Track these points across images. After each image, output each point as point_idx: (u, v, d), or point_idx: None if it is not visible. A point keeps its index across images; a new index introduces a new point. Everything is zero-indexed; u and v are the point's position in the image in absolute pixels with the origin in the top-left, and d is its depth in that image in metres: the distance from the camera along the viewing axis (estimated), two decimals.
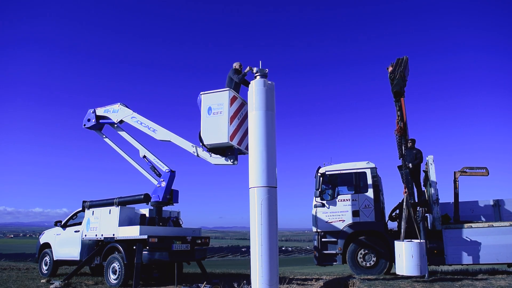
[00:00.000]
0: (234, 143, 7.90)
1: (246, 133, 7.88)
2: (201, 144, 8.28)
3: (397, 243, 7.83)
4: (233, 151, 8.17)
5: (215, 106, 7.93)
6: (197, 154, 8.62)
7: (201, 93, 8.26)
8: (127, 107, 10.40)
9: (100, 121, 10.80)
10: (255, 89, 6.71)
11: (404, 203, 8.53)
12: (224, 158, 8.20)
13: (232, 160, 8.15)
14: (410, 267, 7.58)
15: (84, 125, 10.95)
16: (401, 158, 9.27)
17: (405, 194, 8.68)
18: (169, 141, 9.29)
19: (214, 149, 8.26)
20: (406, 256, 7.56)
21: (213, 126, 7.89)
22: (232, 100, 7.91)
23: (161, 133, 9.48)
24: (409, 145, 10.08)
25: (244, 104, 8.19)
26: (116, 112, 10.43)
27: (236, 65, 8.60)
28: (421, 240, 8.02)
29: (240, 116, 8.10)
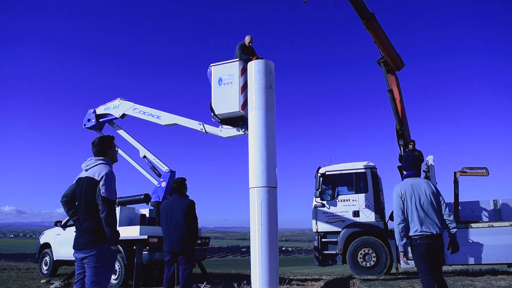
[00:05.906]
0: (245, 112, 7.74)
1: None
2: (212, 115, 8.11)
3: None
4: (244, 121, 7.96)
5: (225, 76, 7.86)
6: (205, 131, 8.52)
7: (211, 65, 8.16)
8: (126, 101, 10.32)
9: (100, 120, 10.77)
10: (255, 89, 6.70)
11: None
12: (235, 128, 8.10)
13: (243, 130, 7.97)
14: None
15: (84, 125, 10.93)
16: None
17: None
18: (175, 124, 9.18)
19: (225, 120, 8.15)
20: None
21: (224, 96, 7.81)
22: (242, 71, 7.80)
23: (166, 118, 9.37)
24: (409, 147, 10.07)
25: None
26: (117, 107, 10.32)
27: (246, 39, 8.39)
28: None
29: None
